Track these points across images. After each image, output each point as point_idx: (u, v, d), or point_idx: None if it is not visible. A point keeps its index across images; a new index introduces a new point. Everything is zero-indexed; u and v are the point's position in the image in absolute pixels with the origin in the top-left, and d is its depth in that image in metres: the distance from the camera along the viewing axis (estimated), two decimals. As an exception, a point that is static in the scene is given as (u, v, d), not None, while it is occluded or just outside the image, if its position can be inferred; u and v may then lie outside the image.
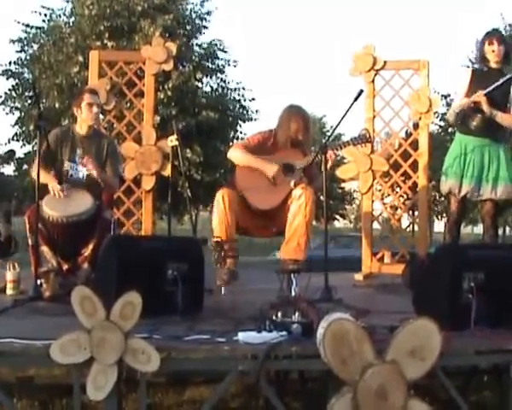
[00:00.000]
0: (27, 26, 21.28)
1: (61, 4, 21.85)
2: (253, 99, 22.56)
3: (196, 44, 22.01)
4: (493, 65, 5.82)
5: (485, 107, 5.62)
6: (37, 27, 21.43)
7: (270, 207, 5.43)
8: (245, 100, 22.38)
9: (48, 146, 5.17)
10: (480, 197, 5.81)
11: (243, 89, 22.22)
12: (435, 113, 7.57)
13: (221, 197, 5.33)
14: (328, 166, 5.14)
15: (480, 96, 5.66)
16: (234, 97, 22.22)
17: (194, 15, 21.90)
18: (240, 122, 22.69)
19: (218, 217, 5.33)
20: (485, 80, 5.75)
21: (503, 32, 20.72)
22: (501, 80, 5.61)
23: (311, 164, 5.43)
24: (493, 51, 5.77)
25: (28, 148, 21.74)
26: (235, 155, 5.67)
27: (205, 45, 21.92)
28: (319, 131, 38.24)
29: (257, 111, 22.58)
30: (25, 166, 21.98)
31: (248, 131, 24.24)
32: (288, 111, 5.70)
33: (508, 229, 27.88)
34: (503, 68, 5.88)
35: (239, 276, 5.35)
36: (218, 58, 22.03)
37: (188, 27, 21.64)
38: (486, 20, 55.13)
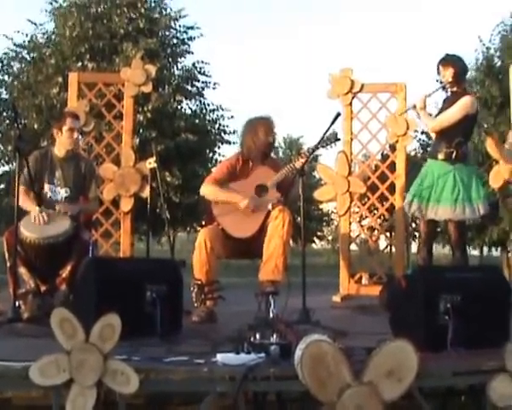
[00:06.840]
0: (11, 40, 21.15)
1: (42, 20, 21.43)
2: (232, 117, 22.40)
3: (176, 68, 21.95)
4: (453, 89, 6.10)
5: (418, 104, 6.03)
6: (17, 45, 21.31)
7: (250, 233, 5.39)
8: (223, 119, 22.23)
9: (28, 170, 5.18)
10: (427, 217, 5.93)
11: (221, 108, 22.11)
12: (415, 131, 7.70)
13: (203, 241, 5.25)
14: (301, 165, 5.19)
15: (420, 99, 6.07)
16: (212, 118, 22.10)
17: (176, 41, 21.86)
18: (218, 144, 22.57)
19: (200, 260, 5.25)
20: (446, 101, 6.15)
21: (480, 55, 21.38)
22: (436, 88, 6.30)
23: (284, 178, 5.44)
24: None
25: (5, 168, 21.60)
26: (207, 191, 5.64)
27: (186, 67, 21.83)
28: (296, 153, 38.15)
29: (234, 132, 22.34)
30: (1, 186, 21.81)
31: (227, 153, 24.01)
32: (250, 122, 5.69)
33: (485, 249, 27.83)
34: (462, 87, 6.11)
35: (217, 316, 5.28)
36: (198, 81, 21.96)
37: (168, 51, 21.59)
38: (464, 42, 56.40)
